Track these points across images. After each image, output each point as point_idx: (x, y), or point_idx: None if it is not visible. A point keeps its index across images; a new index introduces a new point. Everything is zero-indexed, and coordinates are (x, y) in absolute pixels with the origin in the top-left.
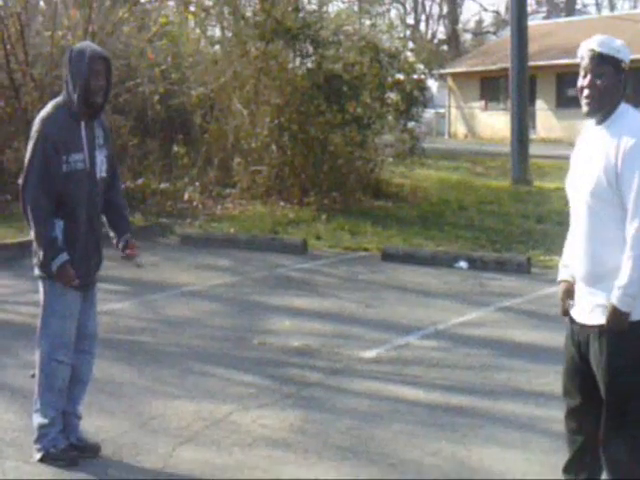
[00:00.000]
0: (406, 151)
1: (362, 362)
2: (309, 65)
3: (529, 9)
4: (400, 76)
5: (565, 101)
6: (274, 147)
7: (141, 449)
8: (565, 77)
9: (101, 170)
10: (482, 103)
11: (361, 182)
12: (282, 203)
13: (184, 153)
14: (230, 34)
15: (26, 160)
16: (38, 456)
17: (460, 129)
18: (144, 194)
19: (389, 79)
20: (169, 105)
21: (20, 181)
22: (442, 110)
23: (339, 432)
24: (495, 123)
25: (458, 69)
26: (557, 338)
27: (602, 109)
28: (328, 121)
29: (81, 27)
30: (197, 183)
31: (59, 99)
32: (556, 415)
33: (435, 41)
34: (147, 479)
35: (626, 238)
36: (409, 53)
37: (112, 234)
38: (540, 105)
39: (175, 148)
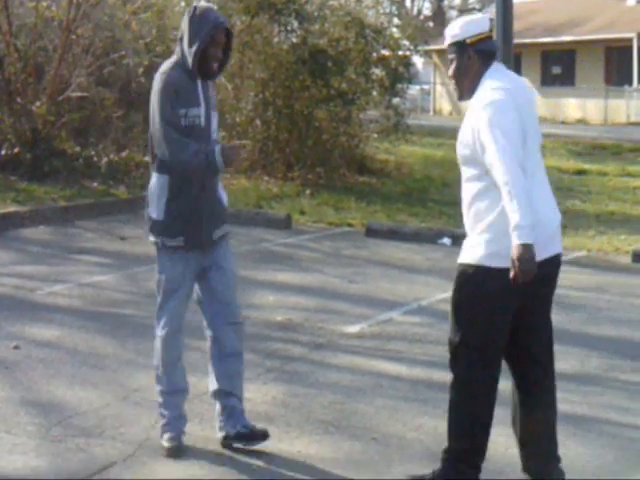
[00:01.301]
0: (391, 127)
1: (345, 337)
2: (294, 40)
3: None
4: (385, 52)
5: (550, 79)
6: (258, 122)
7: (124, 421)
8: (550, 55)
9: (214, 131)
10: None
11: (345, 158)
12: (266, 178)
13: None
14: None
15: (154, 119)
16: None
17: (445, 106)
18: (128, 167)
19: (374, 55)
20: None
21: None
22: (427, 87)
23: (321, 406)
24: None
25: (443, 46)
26: None
27: (465, 90)
28: (313, 96)
29: None
30: None
31: (173, 58)
32: None
33: (421, 17)
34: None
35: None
36: (394, 29)
37: None
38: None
39: None
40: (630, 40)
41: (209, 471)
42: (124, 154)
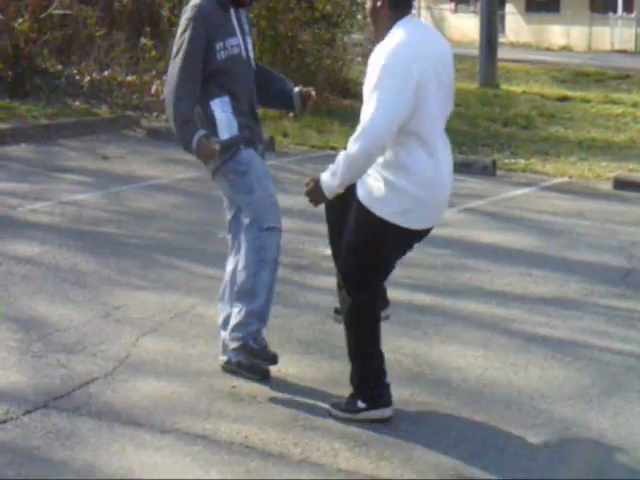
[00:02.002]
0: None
1: (326, 259)
2: None
3: None
4: None
5: (534, 5)
6: None
7: (105, 338)
8: None
9: (252, 57)
10: (452, 5)
11: (329, 81)
12: None
13: (151, 46)
14: None
15: (176, 48)
16: (234, 345)
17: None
18: (110, 86)
19: None
20: None
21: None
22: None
23: (302, 327)
24: (464, 26)
25: None
26: (520, 240)
27: (377, 35)
28: (297, 18)
29: None
30: (164, 77)
31: None
32: (517, 314)
33: None
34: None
35: None
36: None
37: (284, 93)
38: (510, 9)
39: (142, 40)
40: None
41: (189, 387)
42: (107, 73)
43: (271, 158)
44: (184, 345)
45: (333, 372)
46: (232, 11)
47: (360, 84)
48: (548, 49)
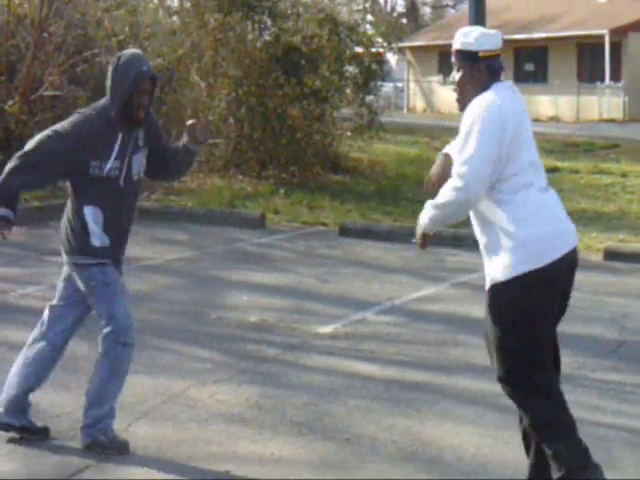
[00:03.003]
0: (364, 125)
1: (318, 337)
2: (267, 37)
3: None
4: (359, 49)
5: (523, 76)
6: (232, 120)
7: None
8: (523, 52)
9: (139, 172)
10: (440, 77)
11: (319, 156)
12: (240, 177)
13: None
14: (188, 4)
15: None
16: (87, 441)
17: (419, 103)
18: None
19: (347, 52)
20: None
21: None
22: (401, 84)
23: (295, 407)
24: (453, 97)
25: (417, 43)
26: None
27: (467, 101)
28: (286, 94)
29: None
30: None
31: (103, 101)
32: None
33: (394, 14)
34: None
35: None
36: (368, 26)
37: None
38: None
39: None
40: (602, 37)
41: (182, 474)
42: None
43: (261, 236)
44: (176, 429)
45: (327, 454)
46: (120, 134)
47: (350, 159)
48: (537, 120)
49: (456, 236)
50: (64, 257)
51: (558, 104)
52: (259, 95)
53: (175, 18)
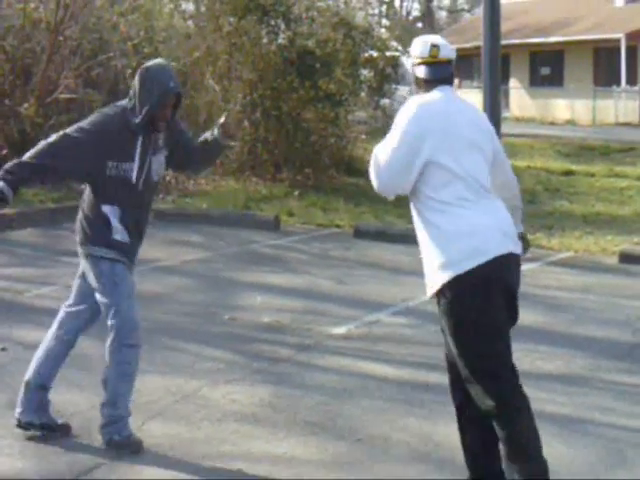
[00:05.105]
0: (379, 128)
1: (332, 338)
2: (282, 41)
3: None
4: (373, 53)
5: (538, 80)
6: (247, 123)
7: None
8: (539, 55)
9: (158, 172)
10: (456, 81)
11: (334, 159)
12: (255, 179)
13: None
14: (203, 9)
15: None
16: (104, 440)
17: None
18: None
19: (362, 56)
20: None
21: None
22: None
23: (308, 408)
24: (469, 101)
25: None
26: (526, 316)
27: None
28: (301, 97)
29: (53, 0)
30: None
31: (124, 103)
32: None
33: (410, 18)
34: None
35: None
36: (383, 30)
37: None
38: (514, 83)
39: None
40: (618, 41)
41: (194, 473)
42: None
43: (276, 238)
44: (190, 428)
45: (339, 454)
46: (140, 137)
47: (365, 162)
48: (552, 123)
49: None
50: (79, 249)
51: (574, 108)
52: (274, 98)
53: (190, 22)
